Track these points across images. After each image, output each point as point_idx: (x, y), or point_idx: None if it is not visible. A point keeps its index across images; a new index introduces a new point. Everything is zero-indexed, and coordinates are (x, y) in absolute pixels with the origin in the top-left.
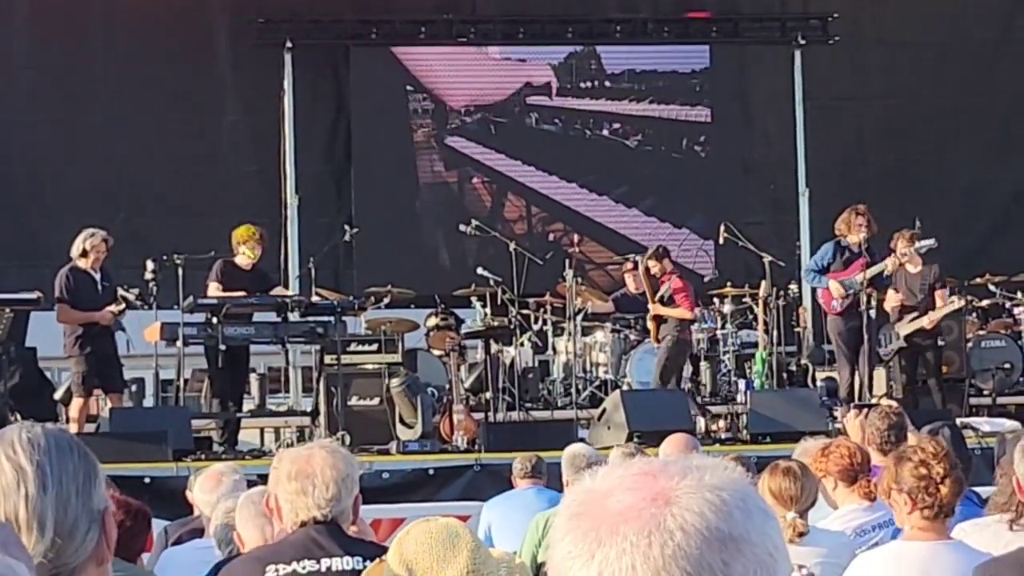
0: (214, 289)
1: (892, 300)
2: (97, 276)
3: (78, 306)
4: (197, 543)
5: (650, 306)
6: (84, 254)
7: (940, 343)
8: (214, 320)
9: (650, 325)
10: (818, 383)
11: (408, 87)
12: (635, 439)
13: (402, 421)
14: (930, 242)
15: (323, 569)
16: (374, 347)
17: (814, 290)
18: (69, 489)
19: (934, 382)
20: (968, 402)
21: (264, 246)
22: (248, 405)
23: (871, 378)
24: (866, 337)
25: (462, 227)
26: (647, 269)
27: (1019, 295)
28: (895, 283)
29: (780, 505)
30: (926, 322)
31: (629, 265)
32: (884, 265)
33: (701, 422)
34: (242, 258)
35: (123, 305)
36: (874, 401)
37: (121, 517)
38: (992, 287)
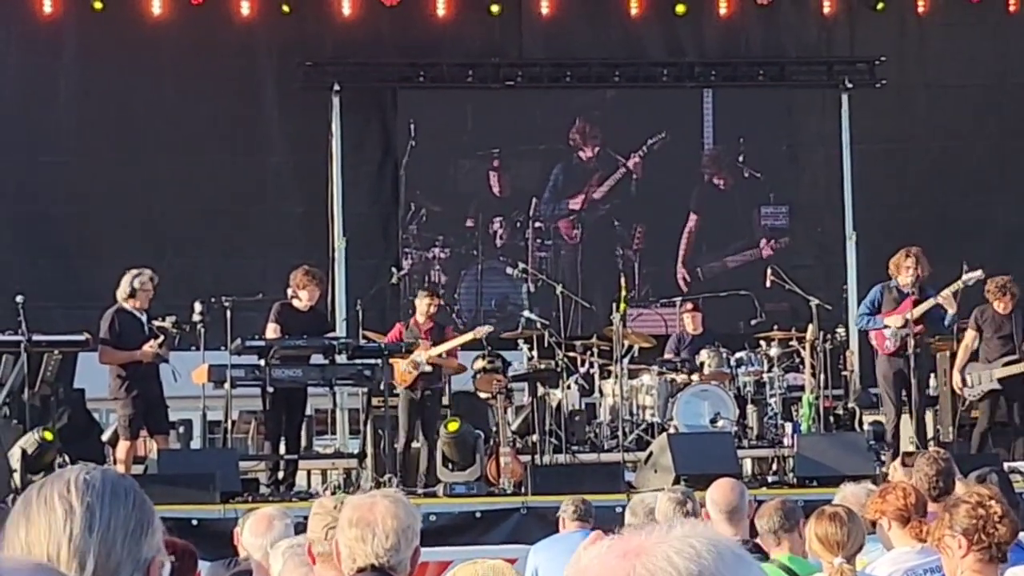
0: (272, 331)
1: (969, 339)
2: (143, 318)
3: (125, 347)
4: None
5: None
6: (132, 295)
7: None
8: (262, 362)
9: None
10: (865, 427)
11: (455, 128)
12: (682, 482)
13: (445, 464)
14: (977, 274)
15: None
16: None
17: (865, 333)
18: (116, 534)
19: (1020, 424)
20: (1015, 446)
21: (321, 289)
22: None
23: (923, 423)
24: (914, 381)
25: (509, 270)
26: None
27: None
28: (981, 324)
29: (827, 550)
30: None
31: (689, 305)
32: (932, 301)
33: (748, 465)
34: (299, 301)
35: (161, 338)
36: (911, 447)
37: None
38: None
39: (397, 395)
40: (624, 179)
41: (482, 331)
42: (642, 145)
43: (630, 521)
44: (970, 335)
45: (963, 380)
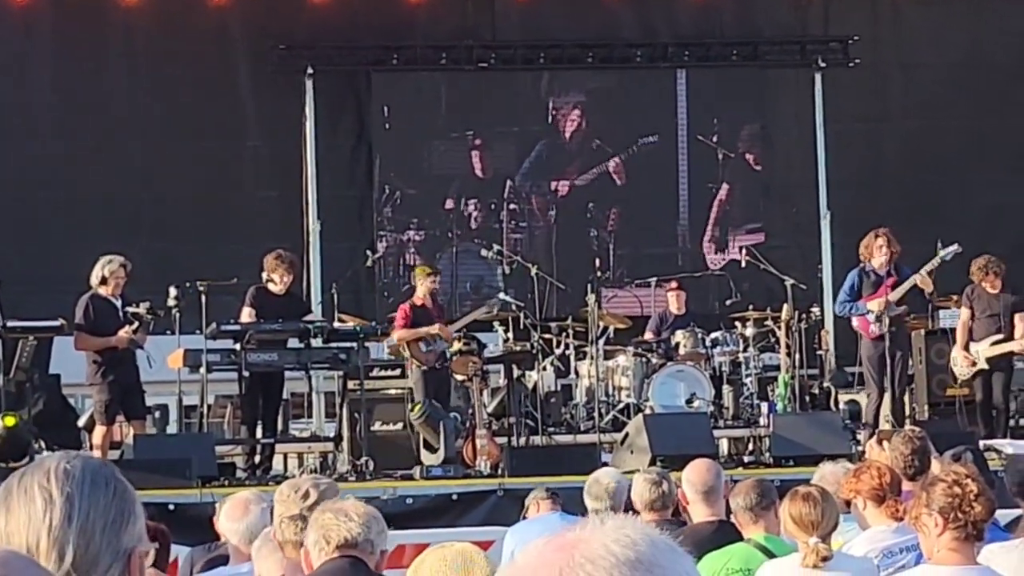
0: (247, 315)
1: (965, 317)
2: (118, 303)
3: (100, 333)
4: (223, 571)
5: None
6: (103, 281)
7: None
8: (238, 347)
9: None
10: (840, 406)
11: (429, 111)
12: (658, 463)
13: (427, 446)
14: (954, 247)
15: None
16: (397, 372)
17: (847, 318)
18: (95, 524)
19: (1001, 402)
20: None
21: (294, 272)
22: None
23: (901, 402)
24: (890, 359)
25: (484, 252)
26: None
27: None
28: (972, 301)
29: (802, 530)
30: (1017, 347)
31: (674, 284)
32: (911, 282)
33: (724, 445)
34: (273, 285)
35: (136, 323)
36: (887, 426)
37: None
38: None
39: (372, 377)
40: (603, 164)
41: (493, 305)
42: (620, 129)
43: (593, 506)
44: (965, 313)
45: (969, 359)
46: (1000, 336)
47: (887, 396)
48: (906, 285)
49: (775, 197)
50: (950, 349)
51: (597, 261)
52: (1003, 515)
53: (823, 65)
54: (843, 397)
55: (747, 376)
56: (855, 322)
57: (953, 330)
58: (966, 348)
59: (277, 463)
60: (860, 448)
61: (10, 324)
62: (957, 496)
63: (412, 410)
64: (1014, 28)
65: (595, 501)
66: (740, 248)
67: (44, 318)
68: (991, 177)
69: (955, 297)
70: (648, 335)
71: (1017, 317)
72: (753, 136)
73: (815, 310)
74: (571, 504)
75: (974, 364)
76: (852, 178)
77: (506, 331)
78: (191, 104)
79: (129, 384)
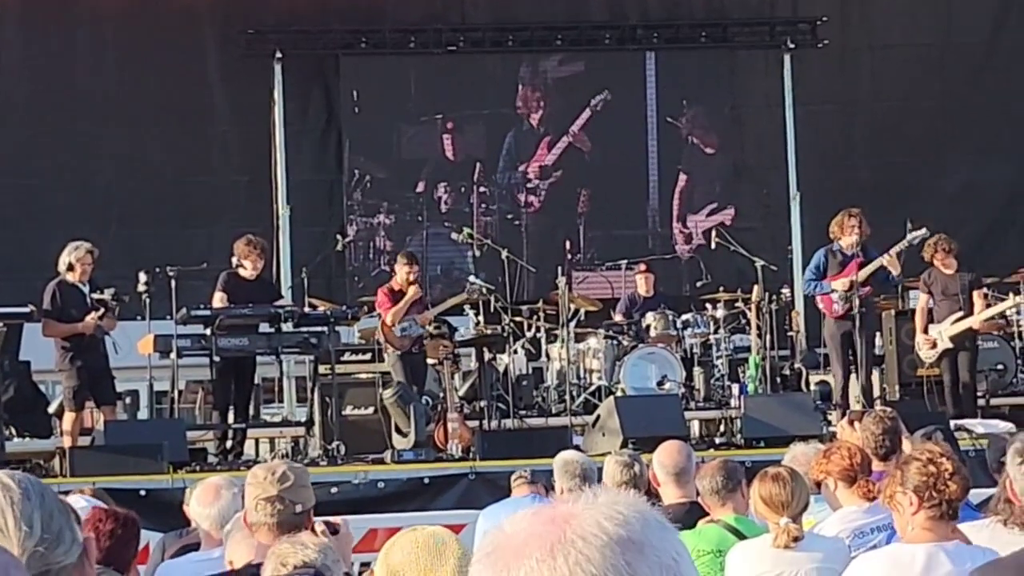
0: (219, 300)
1: (923, 302)
2: (86, 289)
3: (67, 320)
4: (194, 556)
5: None
6: (70, 267)
7: (979, 344)
8: (208, 332)
9: None
10: (812, 387)
11: (398, 95)
12: (630, 445)
13: (398, 430)
14: (922, 232)
15: None
16: (368, 356)
17: (812, 297)
18: (52, 504)
19: (968, 380)
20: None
21: (265, 258)
22: None
23: (869, 382)
24: (860, 340)
25: (454, 235)
26: None
27: (1011, 296)
28: (929, 286)
29: (772, 511)
30: (976, 323)
31: (642, 267)
32: (878, 263)
33: (695, 427)
34: (244, 270)
35: (102, 310)
36: (858, 406)
37: (111, 526)
38: (985, 289)
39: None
40: (570, 144)
41: (472, 291)
42: (586, 107)
43: (562, 485)
44: (923, 298)
45: (929, 341)
46: (961, 313)
47: (853, 376)
48: (873, 265)
49: (745, 178)
50: None
51: (568, 244)
52: (975, 495)
53: (792, 46)
54: (814, 378)
55: (718, 358)
56: (819, 301)
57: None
58: (926, 331)
59: (248, 448)
60: (832, 428)
61: None
62: (932, 475)
63: (385, 391)
64: (983, 8)
65: (570, 480)
66: (711, 230)
67: (13, 305)
68: (961, 158)
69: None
70: (617, 317)
71: (976, 294)
72: (723, 118)
73: (785, 291)
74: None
75: (935, 345)
76: (822, 159)
77: (477, 314)
78: (159, 89)
79: (99, 370)
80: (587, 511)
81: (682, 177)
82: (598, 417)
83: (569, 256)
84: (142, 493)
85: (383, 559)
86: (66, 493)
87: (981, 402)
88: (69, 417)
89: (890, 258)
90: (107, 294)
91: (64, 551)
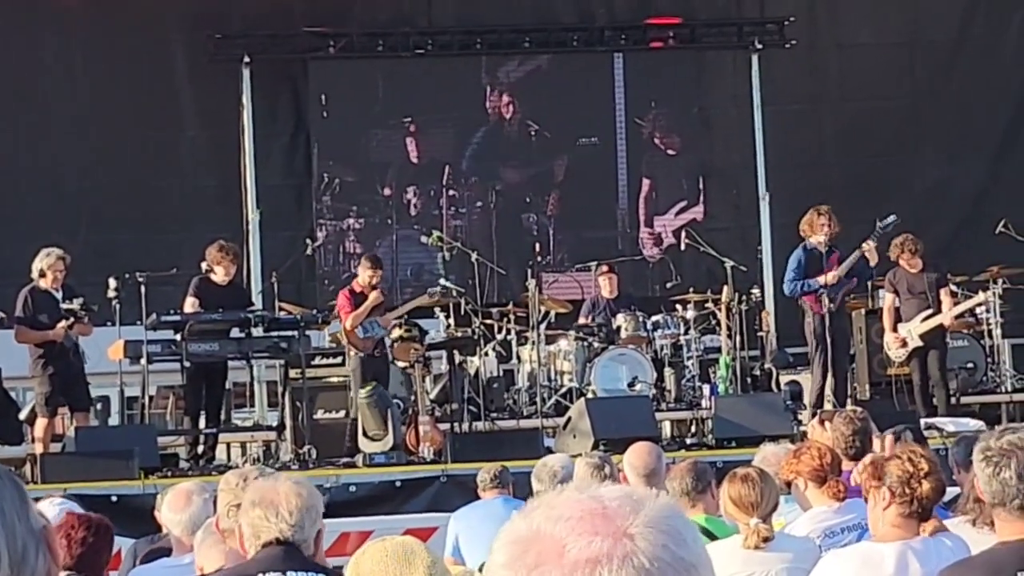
0: (190, 305)
1: (889, 302)
2: (59, 295)
3: (40, 326)
4: (165, 562)
5: None
6: (42, 274)
7: (949, 343)
8: (178, 337)
9: None
10: (782, 387)
11: (366, 98)
12: (601, 447)
13: (365, 434)
14: (892, 218)
15: None
16: (338, 360)
17: (795, 298)
18: (13, 517)
19: (939, 379)
20: (932, 403)
21: (237, 263)
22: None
23: (846, 380)
24: (831, 339)
25: (423, 239)
26: None
27: (980, 293)
28: (895, 285)
29: (742, 512)
30: (946, 320)
31: (604, 268)
32: (858, 254)
33: (667, 427)
34: (215, 275)
35: (71, 319)
36: (828, 406)
37: (83, 533)
38: (954, 287)
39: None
40: (539, 146)
41: (434, 294)
42: (556, 112)
43: (537, 488)
44: (889, 298)
45: (899, 339)
46: (930, 311)
47: (830, 376)
48: (853, 257)
49: (714, 179)
50: None
51: (537, 246)
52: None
53: (760, 47)
54: (784, 378)
55: (689, 359)
56: (805, 300)
57: (897, 311)
58: (895, 330)
59: (220, 453)
60: (802, 429)
61: None
62: (907, 472)
63: (362, 391)
64: (951, 7)
65: (551, 485)
66: (681, 230)
67: None
68: (930, 157)
69: None
70: (581, 320)
71: (942, 292)
72: (691, 119)
73: (755, 291)
74: (516, 490)
75: (905, 344)
76: (791, 159)
77: (447, 317)
78: (128, 94)
79: (72, 376)
80: (650, 530)
81: (645, 182)
82: (569, 419)
83: (539, 258)
84: (113, 499)
85: (353, 569)
86: (37, 499)
87: (954, 400)
88: (41, 423)
89: (869, 247)
90: (76, 304)
91: (32, 571)
